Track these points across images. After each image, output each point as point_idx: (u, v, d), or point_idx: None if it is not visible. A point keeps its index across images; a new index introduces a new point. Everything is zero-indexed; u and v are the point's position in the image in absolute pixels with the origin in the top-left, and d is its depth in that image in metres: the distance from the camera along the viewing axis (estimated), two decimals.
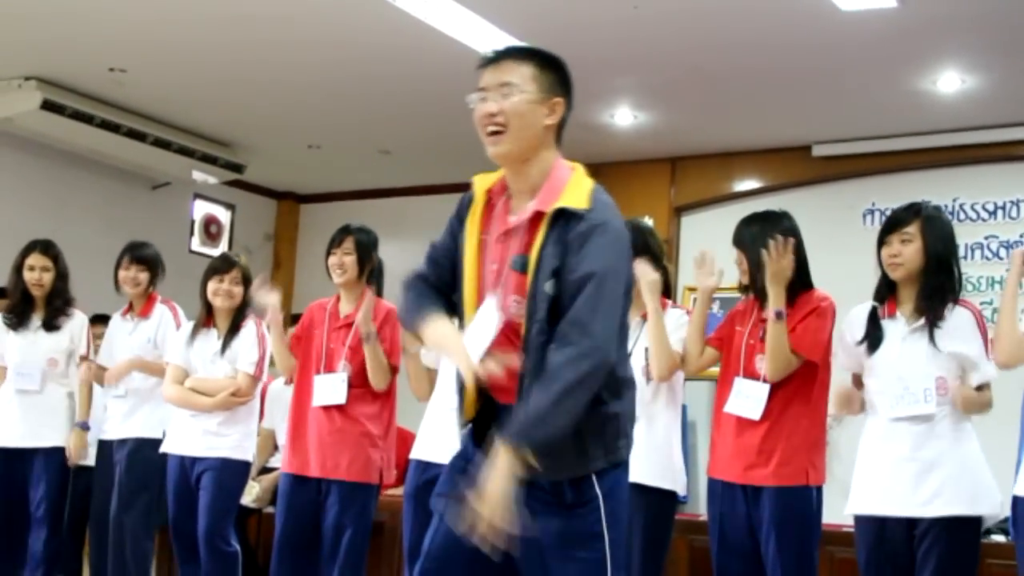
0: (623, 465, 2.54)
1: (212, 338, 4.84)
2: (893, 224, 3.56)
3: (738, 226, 3.89)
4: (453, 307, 2.59)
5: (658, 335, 3.90)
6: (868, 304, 3.64)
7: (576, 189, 2.45)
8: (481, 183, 2.59)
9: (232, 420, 4.74)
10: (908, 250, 3.50)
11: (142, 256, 5.15)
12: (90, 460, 5.30)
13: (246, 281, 4.82)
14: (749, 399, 3.77)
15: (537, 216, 2.44)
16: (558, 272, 2.38)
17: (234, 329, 4.79)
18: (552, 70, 2.51)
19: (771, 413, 3.74)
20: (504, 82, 2.47)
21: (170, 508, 4.81)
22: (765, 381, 3.75)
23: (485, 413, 2.53)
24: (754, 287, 3.83)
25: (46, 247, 5.26)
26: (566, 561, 2.44)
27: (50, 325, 5.22)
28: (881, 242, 3.58)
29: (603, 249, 2.38)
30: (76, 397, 5.17)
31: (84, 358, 5.22)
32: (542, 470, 2.36)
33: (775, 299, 3.65)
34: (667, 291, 4.10)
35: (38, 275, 5.19)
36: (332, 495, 4.34)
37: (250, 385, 4.74)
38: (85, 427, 5.15)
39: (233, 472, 4.73)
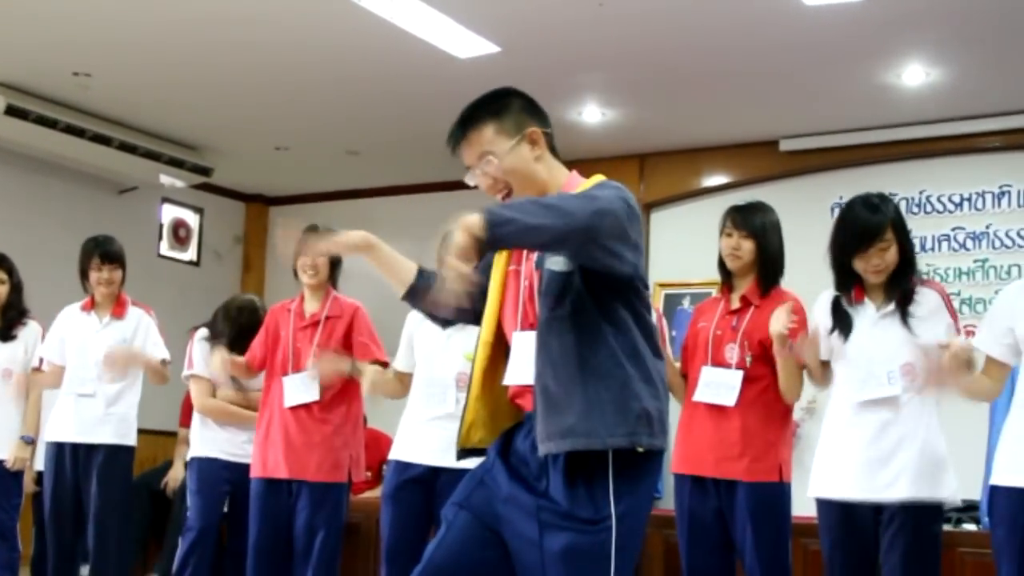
0: (647, 469, 2.44)
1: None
2: (871, 236, 3.53)
3: (739, 211, 3.90)
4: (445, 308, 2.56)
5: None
6: (830, 293, 3.65)
7: (586, 186, 2.52)
8: None
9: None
10: (889, 255, 3.52)
11: (112, 254, 5.06)
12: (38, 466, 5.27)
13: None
14: (721, 387, 3.78)
15: None
16: None
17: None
18: (507, 110, 2.54)
19: (743, 403, 3.76)
20: (479, 153, 2.51)
21: (200, 511, 4.81)
22: (739, 367, 3.76)
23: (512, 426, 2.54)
24: (759, 272, 3.84)
25: (0, 260, 5.22)
26: (570, 574, 2.38)
27: (5, 336, 5.18)
28: (854, 253, 3.55)
29: (593, 190, 2.43)
30: (24, 408, 5.11)
31: (36, 370, 5.17)
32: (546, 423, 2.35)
33: (779, 351, 3.69)
34: None
35: None
36: (303, 497, 4.33)
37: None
38: (30, 441, 5.11)
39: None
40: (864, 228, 3.54)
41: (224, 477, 4.84)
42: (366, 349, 4.40)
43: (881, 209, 3.56)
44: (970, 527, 4.66)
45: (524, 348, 2.47)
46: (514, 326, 2.52)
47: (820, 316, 3.67)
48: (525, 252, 2.54)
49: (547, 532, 2.39)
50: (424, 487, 4.09)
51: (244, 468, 4.69)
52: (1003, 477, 3.20)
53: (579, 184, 2.54)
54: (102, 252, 5.03)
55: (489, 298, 2.57)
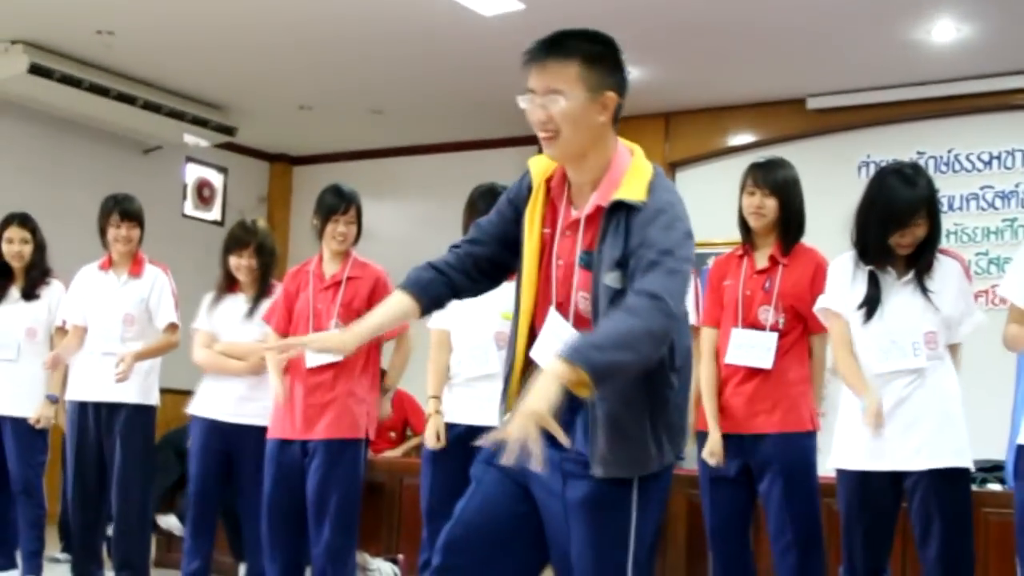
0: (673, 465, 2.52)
1: (239, 301, 4.79)
2: (907, 216, 3.44)
3: (761, 168, 3.83)
4: (457, 292, 2.57)
5: None
6: (853, 258, 3.58)
7: (635, 179, 2.41)
8: (539, 170, 2.53)
9: (263, 385, 4.70)
10: (920, 231, 3.47)
11: (132, 212, 5.02)
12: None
13: (264, 251, 4.79)
14: (755, 348, 3.75)
15: (599, 210, 2.41)
16: (621, 263, 2.34)
17: (261, 293, 4.76)
18: (600, 63, 2.44)
19: (775, 362, 3.75)
20: (550, 88, 2.40)
21: (196, 471, 4.77)
22: (774, 329, 3.75)
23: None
24: (781, 229, 3.81)
25: (23, 220, 5.24)
26: (588, 527, 2.40)
27: (29, 295, 5.22)
28: (888, 233, 3.48)
29: (663, 232, 2.33)
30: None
31: (60, 329, 5.20)
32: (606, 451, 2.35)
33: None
34: None
35: (17, 247, 5.18)
36: (318, 455, 4.32)
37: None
38: (54, 400, 5.14)
39: (259, 438, 4.70)
40: (901, 209, 3.45)
41: (219, 438, 4.78)
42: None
43: (917, 184, 3.46)
44: (995, 487, 4.64)
45: (554, 326, 2.44)
46: (548, 300, 2.48)
47: (841, 281, 3.60)
48: (560, 218, 2.47)
49: (570, 482, 2.40)
50: (465, 446, 4.07)
51: (241, 429, 4.69)
52: None
53: (624, 164, 2.44)
54: (121, 210, 5.02)
55: (527, 260, 2.49)
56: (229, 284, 4.82)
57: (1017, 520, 3.19)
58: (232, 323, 4.78)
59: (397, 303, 2.55)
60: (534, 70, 2.43)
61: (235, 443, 4.72)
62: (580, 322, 2.43)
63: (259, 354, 4.63)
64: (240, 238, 4.79)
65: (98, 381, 4.94)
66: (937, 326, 3.43)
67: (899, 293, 3.49)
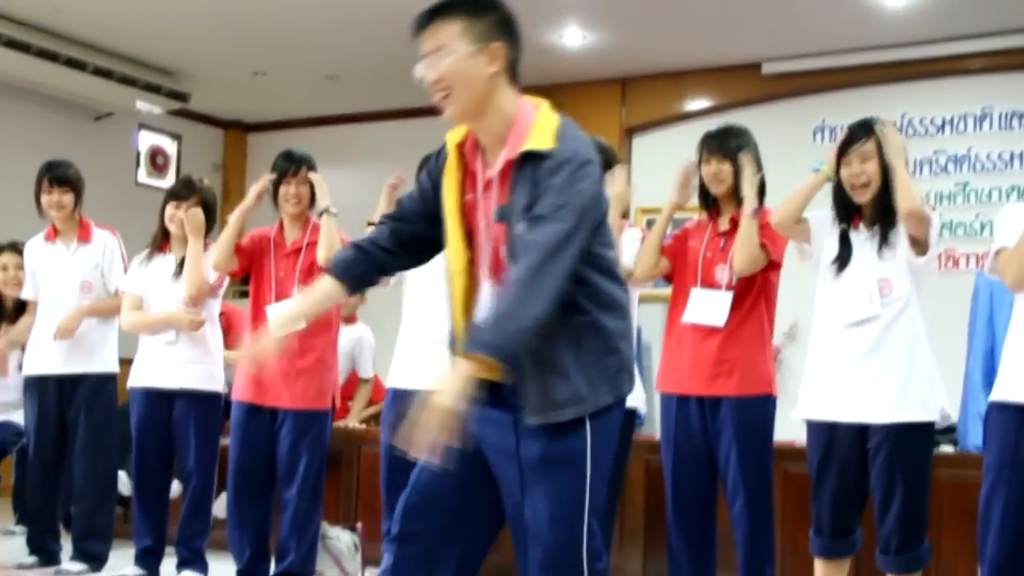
0: (619, 405, 2.50)
1: (168, 263, 4.72)
2: (851, 140, 3.54)
3: (714, 138, 3.92)
4: (382, 268, 2.67)
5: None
6: (829, 213, 3.63)
7: (541, 129, 2.42)
8: (452, 139, 2.56)
9: (200, 347, 4.64)
10: (869, 167, 3.51)
11: (62, 177, 4.92)
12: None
13: (207, 207, 4.69)
14: (711, 307, 3.82)
15: (509, 164, 2.42)
16: (530, 209, 2.36)
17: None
18: (484, 15, 2.46)
19: (731, 322, 3.80)
20: (437, 46, 2.45)
21: (139, 445, 4.69)
22: (728, 288, 3.79)
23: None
24: (735, 195, 3.87)
25: (16, 248, 5.30)
26: (544, 483, 2.41)
27: None
28: (839, 162, 3.55)
29: (564, 184, 2.34)
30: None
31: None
32: (523, 397, 2.38)
33: (751, 201, 3.77)
34: (624, 212, 4.11)
35: (13, 275, 5.31)
36: (287, 424, 4.32)
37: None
38: None
39: (209, 404, 4.66)
40: (848, 135, 3.57)
41: (161, 407, 4.66)
42: None
43: (870, 125, 3.56)
44: (947, 448, 4.71)
45: (486, 293, 2.48)
46: (488, 274, 2.48)
47: (817, 223, 3.66)
48: (480, 181, 2.48)
49: (523, 440, 2.42)
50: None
51: (185, 395, 4.61)
52: (1004, 393, 3.19)
53: (529, 117, 2.44)
54: (51, 176, 4.93)
55: (449, 229, 2.50)
56: (162, 240, 4.74)
57: (991, 479, 3.18)
58: (160, 283, 4.70)
59: (322, 287, 2.65)
60: (424, 35, 2.48)
61: (180, 411, 4.65)
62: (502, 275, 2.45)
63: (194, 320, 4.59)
64: (180, 192, 4.73)
65: (57, 354, 4.89)
66: (892, 272, 3.47)
67: (862, 247, 3.53)
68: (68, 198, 4.93)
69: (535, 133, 2.41)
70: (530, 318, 2.28)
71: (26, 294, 5.05)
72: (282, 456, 4.32)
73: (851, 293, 3.51)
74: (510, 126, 2.45)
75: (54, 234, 5.01)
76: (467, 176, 2.52)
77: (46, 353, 4.92)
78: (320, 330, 4.35)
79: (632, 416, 4.04)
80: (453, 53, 2.42)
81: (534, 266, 2.29)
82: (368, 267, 2.64)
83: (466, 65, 2.43)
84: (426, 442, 2.23)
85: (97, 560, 4.89)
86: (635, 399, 4.01)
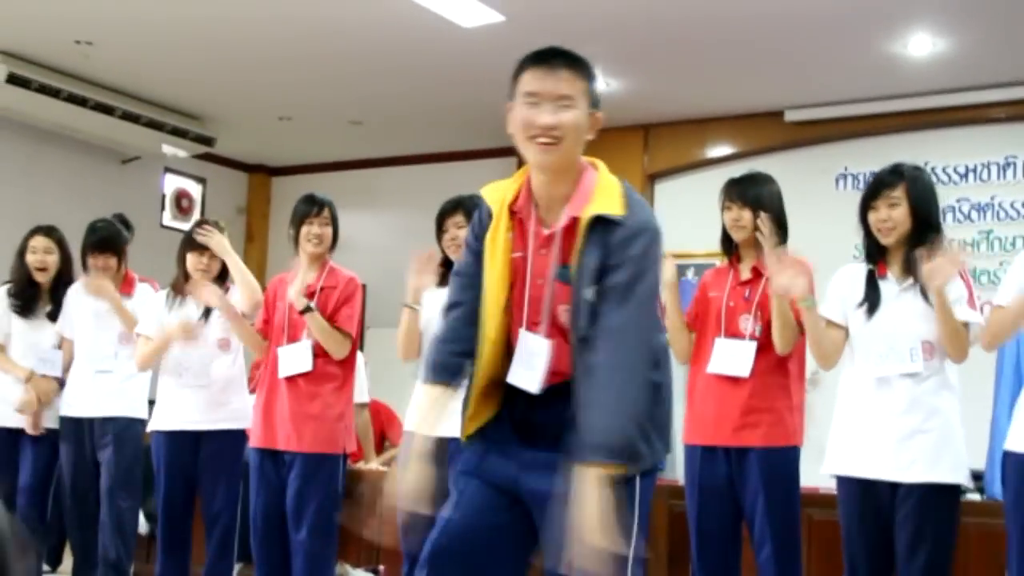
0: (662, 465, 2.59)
1: (190, 307, 4.75)
2: (878, 188, 3.54)
3: (737, 184, 3.90)
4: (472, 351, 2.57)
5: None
6: (861, 265, 3.62)
7: (607, 192, 2.45)
8: (495, 198, 2.55)
9: (227, 388, 4.70)
10: (896, 214, 3.50)
11: (102, 242, 4.97)
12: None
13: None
14: (735, 358, 3.79)
15: (574, 222, 2.43)
16: (599, 277, 2.38)
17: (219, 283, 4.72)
18: (594, 83, 2.51)
19: (757, 373, 3.77)
20: (563, 95, 2.44)
21: (165, 488, 4.71)
22: (752, 338, 3.78)
23: (514, 401, 2.52)
24: (756, 243, 3.83)
25: (48, 231, 5.19)
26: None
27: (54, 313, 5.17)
28: (867, 207, 3.55)
29: (640, 255, 2.38)
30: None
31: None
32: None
33: (778, 278, 3.63)
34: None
35: (41, 257, 5.13)
36: (296, 467, 4.33)
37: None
38: None
39: (235, 443, 4.70)
40: (876, 180, 3.55)
41: (184, 450, 4.67)
42: (337, 314, 4.39)
43: (901, 170, 3.55)
44: (975, 497, 4.67)
45: (529, 347, 2.47)
46: (519, 323, 2.49)
47: (840, 285, 3.63)
48: (531, 239, 2.48)
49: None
50: (438, 458, 4.07)
51: (209, 436, 4.65)
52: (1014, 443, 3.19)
53: (592, 178, 2.48)
54: (92, 241, 4.97)
55: (490, 287, 2.50)
56: (182, 284, 4.77)
57: (1009, 528, 3.18)
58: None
59: (434, 400, 2.61)
60: (544, 74, 2.45)
61: (203, 451, 4.68)
62: (557, 333, 2.44)
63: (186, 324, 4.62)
64: (194, 245, 4.75)
65: (93, 398, 4.95)
66: (934, 336, 3.43)
67: (899, 298, 3.50)
68: (112, 261, 4.99)
69: (601, 196, 2.43)
70: (641, 405, 2.33)
71: (67, 332, 5.10)
72: (290, 499, 4.32)
73: (889, 345, 3.46)
74: (575, 184, 2.47)
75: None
76: (517, 234, 2.51)
77: (83, 396, 4.97)
78: (330, 375, 4.37)
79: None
80: (578, 108, 2.44)
81: (631, 351, 2.34)
82: (462, 357, 2.57)
83: (580, 125, 2.45)
84: (595, 560, 2.19)
85: None
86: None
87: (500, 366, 2.51)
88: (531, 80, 2.45)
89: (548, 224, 2.48)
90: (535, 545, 2.52)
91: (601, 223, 2.39)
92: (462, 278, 2.61)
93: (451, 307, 2.62)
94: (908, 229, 3.49)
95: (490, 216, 2.53)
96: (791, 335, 3.72)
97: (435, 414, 2.60)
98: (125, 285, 5.04)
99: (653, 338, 2.40)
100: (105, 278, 4.94)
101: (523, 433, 2.50)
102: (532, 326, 2.48)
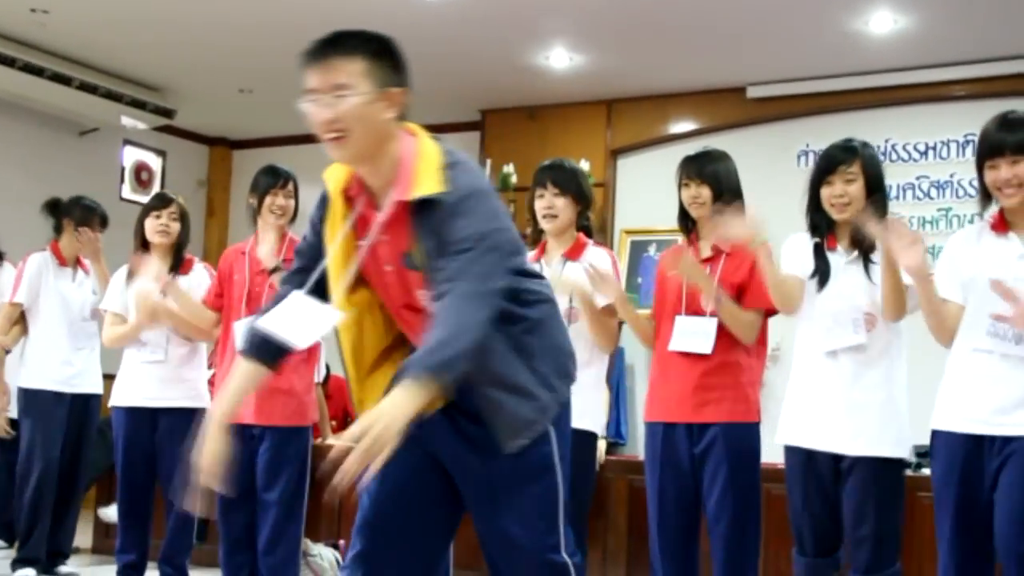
0: (568, 399, 2.54)
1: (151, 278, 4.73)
2: (834, 163, 3.56)
3: (693, 161, 3.90)
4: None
5: (595, 319, 3.93)
6: (805, 236, 3.64)
7: (426, 169, 2.36)
8: (333, 181, 2.49)
9: (185, 365, 4.70)
10: (852, 189, 3.52)
11: (103, 218, 5.26)
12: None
13: (183, 218, 4.77)
14: (696, 335, 3.80)
15: (402, 207, 2.37)
16: (439, 255, 2.32)
17: (174, 268, 4.70)
18: (385, 58, 2.39)
19: (718, 350, 3.78)
20: (338, 84, 2.34)
21: (124, 463, 4.72)
22: (714, 315, 3.78)
23: None
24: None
25: None
26: (518, 497, 2.42)
27: None
28: (820, 181, 3.57)
29: (469, 220, 2.30)
30: None
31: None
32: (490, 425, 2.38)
33: (711, 293, 3.74)
34: (587, 232, 4.12)
35: None
36: (266, 441, 4.31)
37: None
38: None
39: (193, 420, 4.67)
40: (832, 155, 3.56)
41: (144, 426, 4.68)
42: None
43: (855, 146, 3.57)
44: (928, 472, 4.72)
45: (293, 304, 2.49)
46: (405, 315, 2.48)
47: (792, 259, 3.65)
48: (379, 223, 2.40)
49: (488, 460, 2.42)
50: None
51: (169, 413, 4.65)
52: (941, 422, 3.22)
53: (412, 155, 2.38)
54: (101, 215, 5.23)
55: (331, 274, 2.46)
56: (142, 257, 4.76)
57: (938, 511, 3.23)
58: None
59: (246, 374, 2.56)
60: (316, 69, 2.37)
61: (163, 428, 4.67)
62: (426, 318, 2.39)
63: (149, 306, 4.58)
64: (156, 204, 4.78)
65: (70, 372, 5.16)
66: (876, 309, 3.46)
67: (844, 271, 3.53)
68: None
69: (421, 175, 2.35)
70: (466, 343, 2.21)
71: (21, 298, 5.15)
72: (262, 469, 4.30)
73: (833, 319, 3.50)
74: (397, 167, 2.39)
75: (64, 260, 5.22)
76: (359, 221, 2.45)
77: (56, 369, 5.14)
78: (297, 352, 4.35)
79: (593, 438, 4.03)
80: (356, 95, 2.33)
81: (465, 295, 2.25)
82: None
83: (367, 109, 2.34)
84: (363, 461, 2.11)
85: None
86: (594, 423, 4.00)
87: (380, 340, 2.50)
88: (308, 77, 2.38)
89: (382, 208, 2.42)
90: (463, 505, 2.54)
91: (427, 204, 2.33)
92: (301, 258, 2.59)
93: (284, 282, 2.61)
94: (862, 205, 3.52)
95: (328, 201, 2.50)
96: (751, 329, 3.77)
97: (239, 390, 2.57)
98: (80, 262, 5.11)
99: (493, 281, 2.28)
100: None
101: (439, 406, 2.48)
102: (406, 308, 2.47)
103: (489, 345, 2.30)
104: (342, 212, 2.46)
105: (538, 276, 2.58)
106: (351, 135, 2.34)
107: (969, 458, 3.11)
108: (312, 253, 2.54)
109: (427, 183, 2.33)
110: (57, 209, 5.25)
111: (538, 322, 2.47)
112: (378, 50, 2.38)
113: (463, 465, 2.47)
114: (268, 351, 2.52)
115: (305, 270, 2.54)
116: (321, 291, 2.51)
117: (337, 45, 2.36)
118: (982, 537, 3.10)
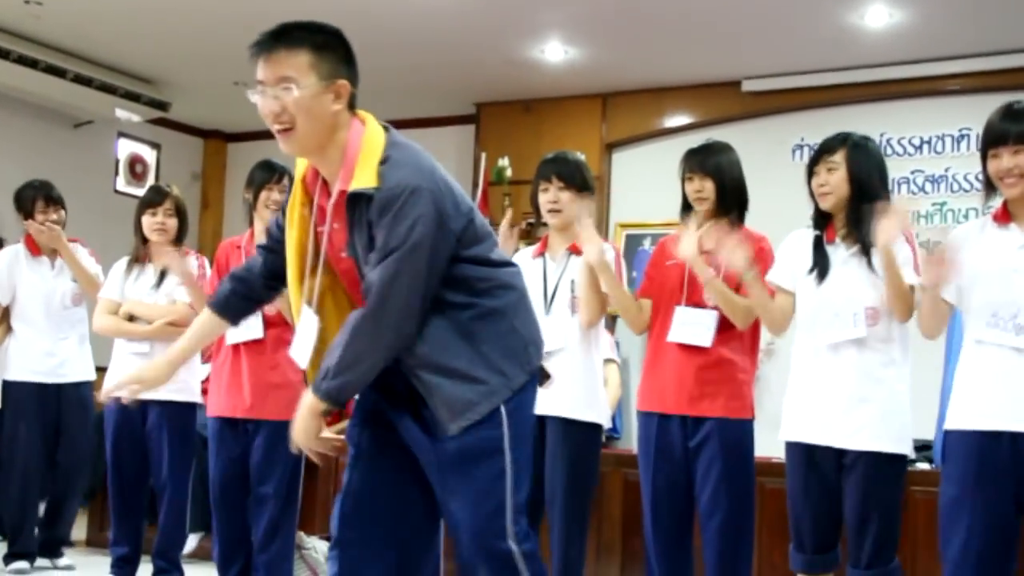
0: (532, 380, 2.54)
1: (148, 273, 4.74)
2: (820, 153, 3.58)
3: (696, 154, 3.90)
4: (259, 299, 2.80)
5: (588, 284, 3.89)
6: (809, 231, 3.64)
7: (366, 161, 2.39)
8: (299, 169, 2.57)
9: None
10: (833, 178, 3.52)
11: (59, 198, 5.14)
12: None
13: (179, 212, 4.76)
14: (697, 327, 3.78)
15: (341, 196, 2.42)
16: (370, 246, 2.39)
17: None
18: (331, 50, 2.43)
19: (717, 343, 3.77)
20: (283, 77, 2.38)
21: (114, 456, 4.72)
22: (715, 307, 3.77)
23: None
24: (723, 210, 3.84)
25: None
26: (465, 476, 2.44)
27: None
28: (810, 172, 3.60)
29: (389, 228, 2.33)
30: None
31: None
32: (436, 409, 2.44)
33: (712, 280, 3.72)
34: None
35: None
36: (261, 435, 4.30)
37: (189, 315, 4.65)
38: None
39: (183, 414, 4.69)
40: (820, 146, 3.58)
41: (135, 419, 4.66)
42: None
43: (844, 136, 3.58)
44: (924, 466, 4.73)
45: (306, 325, 2.61)
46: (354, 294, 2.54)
47: (791, 251, 3.65)
48: (329, 212, 2.47)
49: (438, 442, 2.45)
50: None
51: (160, 406, 4.64)
52: (954, 421, 3.22)
53: (356, 146, 2.42)
54: (52, 195, 5.07)
55: (288, 259, 2.55)
56: (142, 251, 4.78)
57: (940, 502, 3.22)
58: (140, 294, 4.72)
59: (205, 322, 2.75)
60: (262, 61, 2.41)
61: (149, 421, 4.67)
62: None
63: (165, 318, 4.60)
64: (152, 199, 4.77)
65: (49, 361, 5.13)
66: (879, 303, 3.45)
67: (845, 264, 3.52)
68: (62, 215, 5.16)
69: (361, 167, 2.39)
70: (365, 366, 2.39)
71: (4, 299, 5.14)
72: (256, 463, 4.30)
73: (835, 312, 3.48)
74: (343, 157, 2.43)
75: (37, 250, 5.19)
76: (318, 207, 2.52)
77: (37, 360, 5.14)
78: (287, 345, 4.34)
79: (598, 430, 4.02)
80: (301, 88, 2.37)
81: (368, 315, 2.36)
82: (246, 301, 2.75)
83: (312, 103, 2.39)
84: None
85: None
86: (599, 415, 3.99)
87: (341, 322, 2.53)
88: (257, 70, 2.43)
89: (332, 198, 2.48)
90: None
91: (360, 198, 2.37)
92: (269, 238, 2.72)
93: (260, 246, 2.76)
94: (845, 195, 3.51)
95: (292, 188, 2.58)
96: (748, 315, 3.74)
97: (194, 332, 2.78)
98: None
99: (404, 298, 2.34)
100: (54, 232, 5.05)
101: (382, 390, 2.55)
102: (360, 296, 2.49)
103: (424, 333, 2.40)
104: (301, 199, 2.53)
105: (504, 264, 2.57)
106: (297, 127, 2.40)
107: (987, 455, 3.09)
108: (279, 235, 2.65)
109: (362, 176, 2.37)
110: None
111: (492, 309, 2.48)
112: (324, 42, 2.42)
113: (419, 446, 2.50)
114: (229, 308, 2.75)
115: (270, 249, 2.69)
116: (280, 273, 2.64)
117: (283, 38, 2.40)
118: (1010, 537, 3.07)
